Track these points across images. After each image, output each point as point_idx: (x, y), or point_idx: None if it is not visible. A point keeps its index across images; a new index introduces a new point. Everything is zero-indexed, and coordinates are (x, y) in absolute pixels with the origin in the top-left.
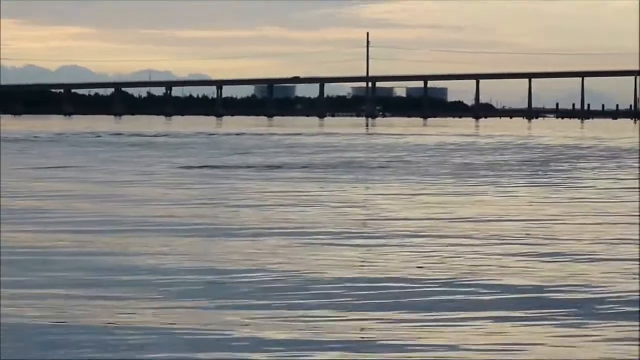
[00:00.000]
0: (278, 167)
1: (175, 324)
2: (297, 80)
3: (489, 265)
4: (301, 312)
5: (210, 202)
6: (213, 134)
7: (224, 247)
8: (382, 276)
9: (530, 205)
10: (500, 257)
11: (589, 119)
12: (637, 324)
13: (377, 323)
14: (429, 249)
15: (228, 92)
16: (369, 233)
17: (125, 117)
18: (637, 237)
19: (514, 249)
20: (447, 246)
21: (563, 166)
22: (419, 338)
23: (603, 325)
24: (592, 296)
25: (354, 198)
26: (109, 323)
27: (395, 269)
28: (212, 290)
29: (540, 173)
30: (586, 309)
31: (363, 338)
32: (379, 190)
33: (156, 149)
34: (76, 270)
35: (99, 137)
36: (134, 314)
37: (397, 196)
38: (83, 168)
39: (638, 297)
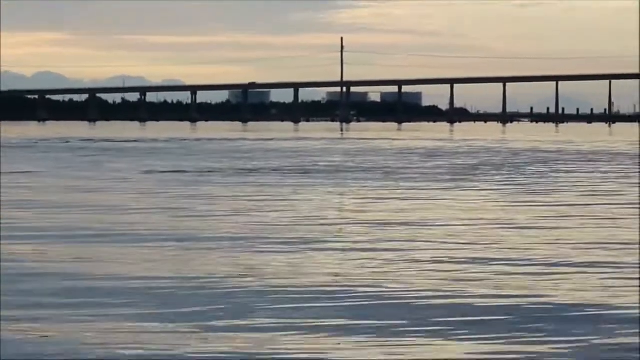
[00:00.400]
0: (250, 171)
1: (116, 339)
2: (253, 85)
3: (459, 271)
4: (254, 321)
5: (177, 208)
6: (186, 139)
7: (183, 254)
8: (352, 283)
9: (503, 210)
10: (472, 263)
11: (563, 122)
12: (613, 326)
13: (340, 330)
14: (400, 254)
15: (202, 97)
16: (338, 238)
17: (100, 123)
18: (609, 242)
19: (485, 254)
20: (417, 250)
21: (535, 169)
22: (386, 347)
23: (575, 332)
24: (565, 302)
25: (324, 203)
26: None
27: (366, 275)
28: (160, 299)
29: (512, 177)
30: (557, 316)
31: (334, 348)
32: (350, 194)
33: (126, 155)
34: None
35: (68, 142)
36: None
37: (369, 200)
38: (42, 173)
39: (607, 301)
